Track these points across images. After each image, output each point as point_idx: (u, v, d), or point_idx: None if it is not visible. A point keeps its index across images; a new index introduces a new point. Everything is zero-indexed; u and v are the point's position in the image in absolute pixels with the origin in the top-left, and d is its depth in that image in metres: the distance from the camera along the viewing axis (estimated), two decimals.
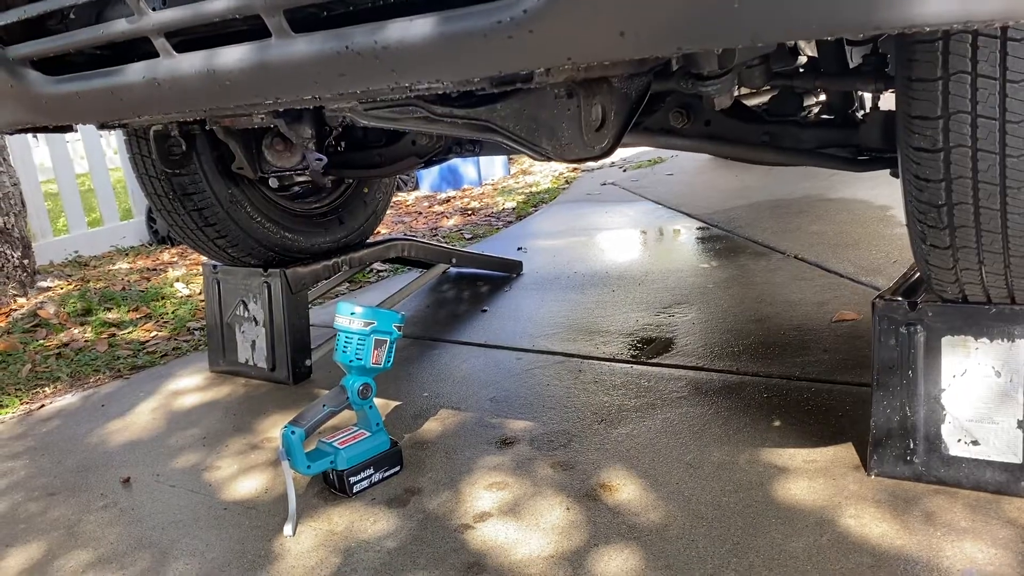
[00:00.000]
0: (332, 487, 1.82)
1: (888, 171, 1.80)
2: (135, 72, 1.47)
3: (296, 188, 2.63)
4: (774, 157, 1.96)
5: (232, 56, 1.35)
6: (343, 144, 2.66)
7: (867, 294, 2.64)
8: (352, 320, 1.81)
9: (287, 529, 1.67)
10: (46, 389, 2.76)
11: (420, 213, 5.63)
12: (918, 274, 1.67)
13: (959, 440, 1.50)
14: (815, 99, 2.40)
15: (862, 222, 3.55)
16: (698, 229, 3.97)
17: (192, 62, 1.39)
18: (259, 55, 1.31)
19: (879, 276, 2.77)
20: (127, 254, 5.17)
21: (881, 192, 3.93)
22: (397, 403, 2.26)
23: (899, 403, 1.54)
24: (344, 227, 2.76)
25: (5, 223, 3.73)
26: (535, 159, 1.71)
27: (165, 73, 1.43)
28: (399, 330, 1.87)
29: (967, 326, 1.48)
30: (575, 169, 6.69)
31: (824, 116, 2.08)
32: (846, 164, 1.87)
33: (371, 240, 2.94)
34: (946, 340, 1.50)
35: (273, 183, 2.46)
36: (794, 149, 1.90)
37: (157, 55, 1.42)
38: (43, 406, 2.60)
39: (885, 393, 1.56)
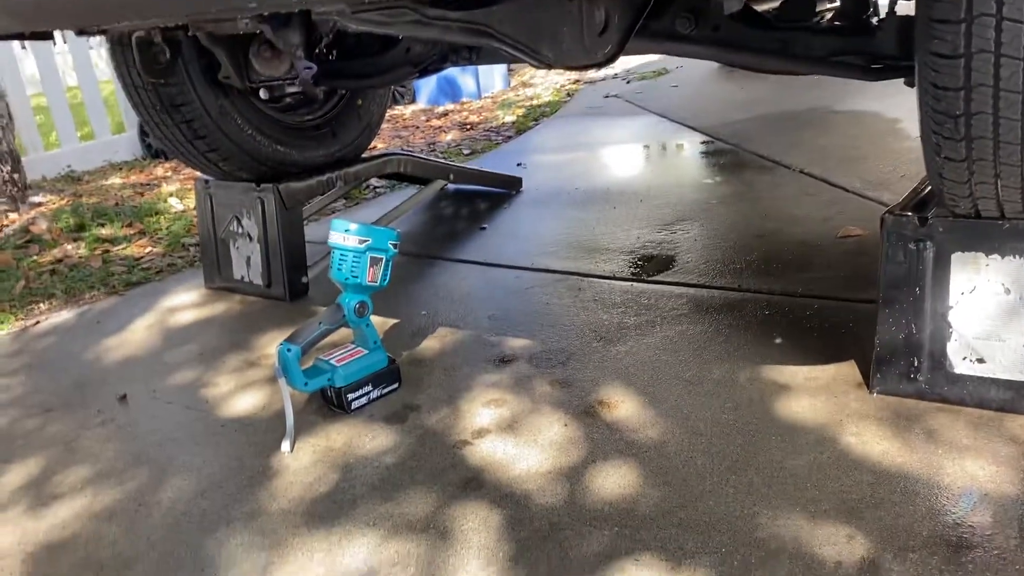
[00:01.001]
0: (330, 404, 1.80)
1: (903, 80, 1.73)
2: None
3: (287, 99, 2.54)
4: (784, 65, 1.88)
5: None
6: (335, 53, 2.56)
7: (874, 209, 2.58)
8: (347, 237, 1.77)
9: (285, 446, 1.66)
10: (41, 305, 2.73)
11: (417, 127, 5.52)
12: (929, 188, 1.62)
13: (964, 358, 1.48)
14: (828, 4, 2.30)
15: (871, 135, 3.47)
16: (702, 143, 3.88)
17: None
18: None
19: (887, 191, 2.71)
20: (120, 169, 5.09)
21: (891, 104, 3.83)
22: (395, 321, 2.23)
23: (905, 320, 1.51)
24: (338, 140, 2.68)
25: None
26: (535, 67, 1.63)
27: None
28: (395, 248, 1.83)
29: (978, 242, 1.44)
30: (577, 81, 6.53)
31: (837, 22, 1.99)
32: (859, 73, 1.79)
33: (367, 155, 2.87)
34: (956, 256, 1.46)
35: (264, 94, 2.37)
36: (805, 57, 1.81)
37: None
38: (38, 322, 2.58)
39: (891, 310, 1.52)
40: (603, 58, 1.48)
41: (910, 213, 1.50)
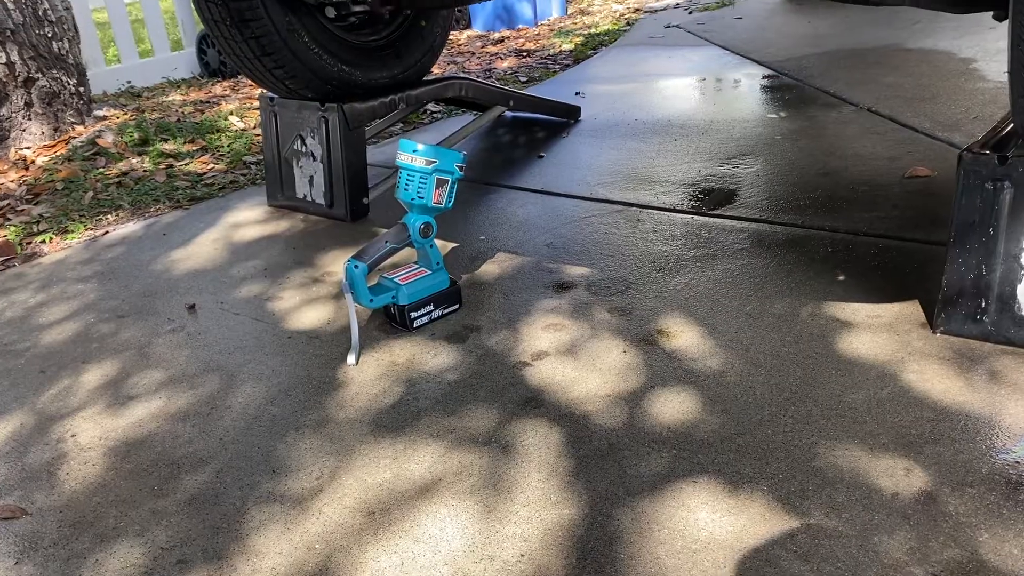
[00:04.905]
0: (393, 321, 1.85)
1: (991, 14, 1.67)
2: None
3: (353, 19, 2.53)
4: None
5: None
6: None
7: (943, 150, 2.52)
8: (415, 158, 1.78)
9: (351, 359, 1.71)
10: (109, 216, 2.81)
11: (473, 53, 5.46)
12: (1010, 127, 1.58)
13: None
14: None
15: (942, 75, 3.36)
16: (766, 77, 3.79)
17: None
18: None
19: (958, 132, 2.64)
20: (179, 86, 5.14)
21: (965, 43, 3.69)
22: (454, 245, 2.26)
23: (975, 261, 1.49)
24: (401, 62, 2.67)
25: (60, 48, 3.70)
26: None
27: None
28: (461, 170, 1.84)
29: None
30: (637, 10, 6.38)
31: None
32: (947, 5, 1.73)
33: (428, 78, 2.86)
34: None
35: (330, 12, 2.37)
36: None
37: None
38: (107, 232, 2.66)
39: (961, 250, 1.51)
40: None
41: (989, 152, 1.47)
